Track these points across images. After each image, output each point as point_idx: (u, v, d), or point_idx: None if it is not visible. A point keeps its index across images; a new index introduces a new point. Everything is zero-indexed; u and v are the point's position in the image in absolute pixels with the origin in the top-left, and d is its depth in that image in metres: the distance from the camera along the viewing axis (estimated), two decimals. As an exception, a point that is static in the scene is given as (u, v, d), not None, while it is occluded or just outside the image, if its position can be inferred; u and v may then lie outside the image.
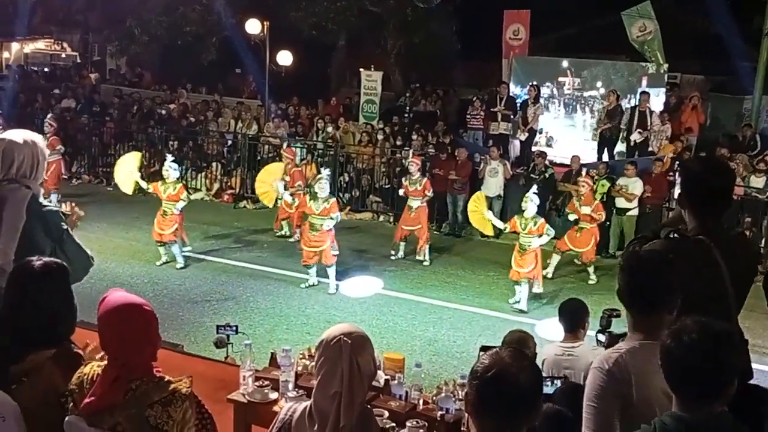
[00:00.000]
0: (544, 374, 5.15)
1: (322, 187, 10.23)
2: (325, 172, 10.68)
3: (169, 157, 11.62)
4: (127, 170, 11.64)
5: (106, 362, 2.76)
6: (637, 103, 15.07)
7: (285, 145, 14.48)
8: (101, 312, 2.73)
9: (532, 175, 13.62)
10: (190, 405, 2.68)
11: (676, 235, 3.18)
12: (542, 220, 10.12)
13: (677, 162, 13.20)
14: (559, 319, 5.48)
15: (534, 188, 10.41)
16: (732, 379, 2.43)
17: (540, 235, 9.92)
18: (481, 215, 10.98)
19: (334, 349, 2.44)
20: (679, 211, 3.40)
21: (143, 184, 11.45)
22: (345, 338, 2.44)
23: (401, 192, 12.46)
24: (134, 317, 2.71)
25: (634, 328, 2.89)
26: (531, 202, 9.96)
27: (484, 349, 4.03)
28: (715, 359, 2.39)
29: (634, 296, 2.84)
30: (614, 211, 12.76)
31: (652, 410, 2.62)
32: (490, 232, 11.56)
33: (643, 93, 15.15)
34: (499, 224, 11.02)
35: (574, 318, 5.36)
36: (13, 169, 3.78)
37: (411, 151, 13.02)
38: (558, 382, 4.35)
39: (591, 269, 11.50)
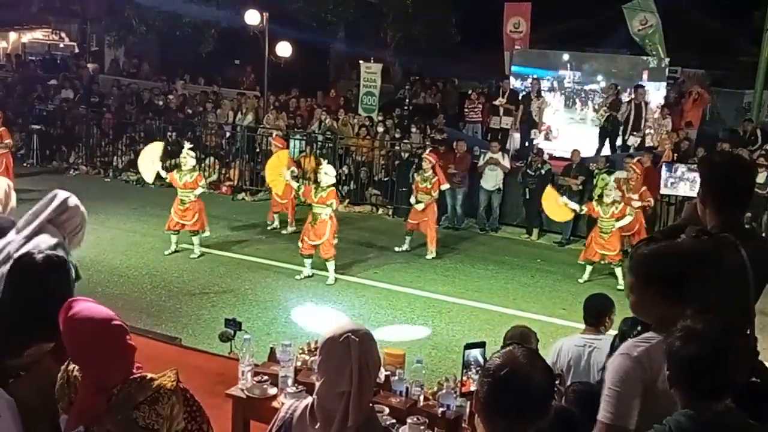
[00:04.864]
0: (551, 362, 5.18)
1: (322, 179, 10.27)
2: (327, 166, 10.61)
3: (187, 145, 11.58)
4: (150, 159, 11.55)
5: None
6: (632, 96, 15.04)
7: (274, 133, 14.39)
8: (67, 326, 2.58)
9: (528, 171, 13.56)
10: (177, 399, 2.61)
11: (704, 235, 3.08)
12: (623, 204, 10.83)
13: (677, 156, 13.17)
14: (584, 312, 5.48)
15: (613, 177, 11.35)
16: (739, 376, 2.41)
17: (621, 218, 10.78)
18: (554, 203, 11.28)
19: (342, 347, 2.37)
20: (692, 207, 3.32)
21: (162, 174, 11.43)
22: (353, 336, 2.38)
23: (413, 195, 12.34)
24: (103, 334, 2.56)
25: None
26: (611, 189, 10.82)
27: (468, 346, 4.07)
28: (725, 357, 2.36)
29: None
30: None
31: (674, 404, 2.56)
32: (565, 217, 11.79)
33: (638, 86, 15.11)
34: (575, 206, 11.35)
35: (600, 313, 5.39)
36: None
37: (427, 149, 12.98)
38: (557, 379, 4.33)
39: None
